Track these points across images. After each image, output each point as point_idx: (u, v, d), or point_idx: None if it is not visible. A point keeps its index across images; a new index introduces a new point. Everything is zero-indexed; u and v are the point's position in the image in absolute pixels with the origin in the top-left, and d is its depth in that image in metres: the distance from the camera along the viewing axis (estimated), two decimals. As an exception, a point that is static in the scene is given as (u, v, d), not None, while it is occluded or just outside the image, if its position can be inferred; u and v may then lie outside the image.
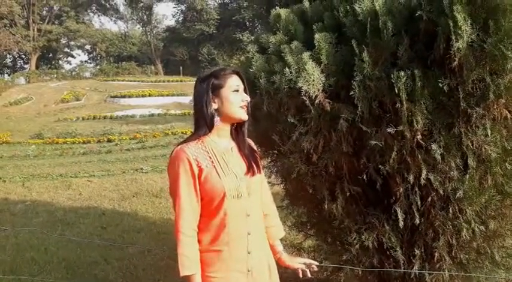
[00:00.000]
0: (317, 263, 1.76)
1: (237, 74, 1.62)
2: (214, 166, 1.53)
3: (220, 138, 1.61)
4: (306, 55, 2.10)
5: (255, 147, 1.74)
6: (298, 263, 1.74)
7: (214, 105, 1.58)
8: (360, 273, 2.57)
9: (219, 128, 1.59)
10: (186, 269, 1.47)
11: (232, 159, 1.59)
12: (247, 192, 1.57)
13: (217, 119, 1.57)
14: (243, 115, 1.59)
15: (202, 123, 1.57)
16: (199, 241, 1.53)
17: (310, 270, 1.73)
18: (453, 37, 1.83)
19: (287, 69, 2.12)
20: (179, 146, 1.55)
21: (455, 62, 1.87)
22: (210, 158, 1.54)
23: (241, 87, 1.61)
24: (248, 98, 1.61)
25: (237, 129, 1.64)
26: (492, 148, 1.99)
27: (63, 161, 11.03)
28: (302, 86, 2.05)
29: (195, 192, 1.51)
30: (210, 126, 1.56)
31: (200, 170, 1.51)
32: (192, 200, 1.51)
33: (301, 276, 1.73)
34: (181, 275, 1.47)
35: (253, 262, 1.56)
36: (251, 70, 2.31)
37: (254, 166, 1.63)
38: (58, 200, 6.93)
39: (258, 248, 1.59)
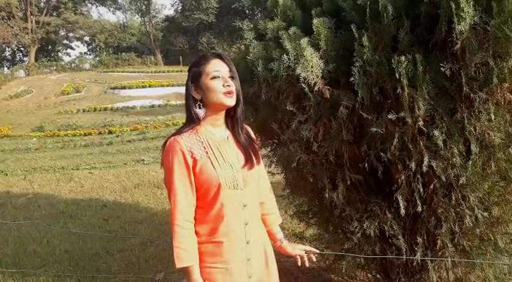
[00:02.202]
0: (317, 251, 1.74)
1: (219, 57, 1.52)
2: (209, 157, 1.49)
3: (215, 127, 1.56)
4: (304, 41, 2.04)
5: (253, 136, 1.69)
6: (298, 249, 1.73)
7: (198, 96, 1.51)
8: (362, 261, 2.56)
9: (212, 117, 1.54)
10: (181, 261, 1.44)
11: (229, 149, 1.55)
12: (244, 183, 1.53)
13: (201, 111, 1.52)
14: (228, 101, 1.49)
15: (189, 117, 1.53)
16: (197, 233, 1.50)
17: (308, 259, 1.71)
18: (455, 19, 1.78)
19: (285, 55, 2.07)
20: (172, 137, 1.50)
21: (458, 45, 1.82)
22: (205, 148, 1.50)
23: (222, 72, 1.50)
24: (231, 83, 1.49)
25: (230, 117, 1.58)
26: (495, 133, 1.95)
27: (64, 154, 11.07)
28: (301, 73, 2.00)
29: (189, 184, 1.47)
30: (196, 119, 1.52)
31: (194, 161, 1.47)
32: (187, 192, 1.47)
33: (299, 264, 1.71)
34: (177, 267, 1.44)
35: (251, 251, 1.55)
36: (249, 58, 2.27)
37: (253, 157, 1.58)
38: (60, 192, 6.94)
39: (255, 237, 1.58)
